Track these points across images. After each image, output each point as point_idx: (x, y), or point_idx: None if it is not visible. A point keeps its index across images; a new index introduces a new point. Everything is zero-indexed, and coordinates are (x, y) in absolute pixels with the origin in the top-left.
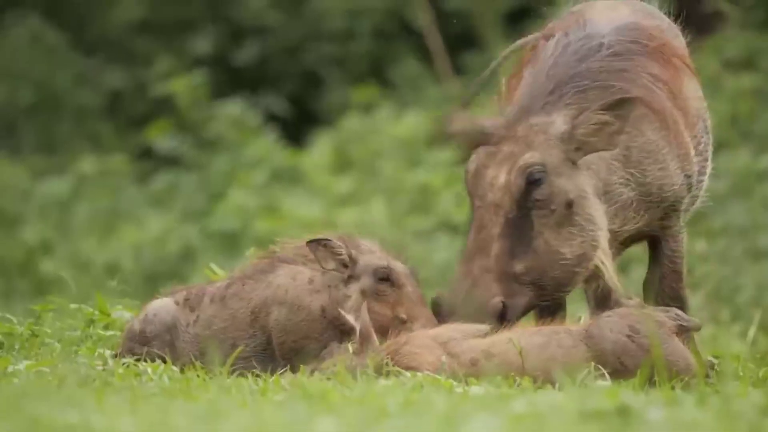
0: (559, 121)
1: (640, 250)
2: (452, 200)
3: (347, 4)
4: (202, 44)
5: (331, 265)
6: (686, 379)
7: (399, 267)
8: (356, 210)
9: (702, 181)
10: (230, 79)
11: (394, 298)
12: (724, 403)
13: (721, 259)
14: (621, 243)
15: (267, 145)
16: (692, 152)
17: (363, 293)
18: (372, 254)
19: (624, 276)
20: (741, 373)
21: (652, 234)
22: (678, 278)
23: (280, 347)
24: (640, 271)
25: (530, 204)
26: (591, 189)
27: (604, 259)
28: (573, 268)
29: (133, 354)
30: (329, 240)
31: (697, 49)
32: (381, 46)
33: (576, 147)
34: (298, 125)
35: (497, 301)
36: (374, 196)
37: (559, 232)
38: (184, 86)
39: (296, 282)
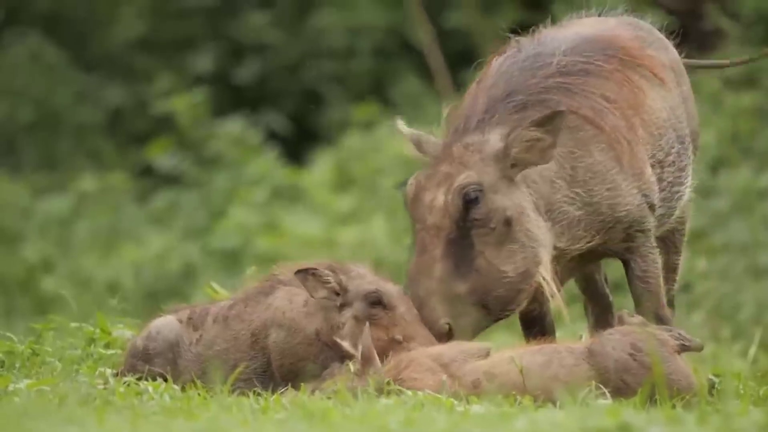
0: (494, 140)
1: None
2: None
3: (347, 22)
4: (203, 62)
5: (321, 293)
6: (687, 397)
7: (390, 289)
8: (357, 228)
9: (679, 192)
10: (231, 97)
11: (388, 321)
12: (725, 421)
13: (722, 276)
14: (575, 262)
15: (267, 163)
16: (648, 170)
17: (356, 319)
18: (362, 279)
19: (623, 295)
20: (742, 392)
21: (617, 254)
22: (654, 298)
23: (278, 369)
24: None
25: (469, 224)
26: (530, 205)
27: (545, 275)
28: (516, 286)
29: (136, 371)
30: (317, 269)
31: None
32: (381, 63)
33: (512, 164)
34: (298, 143)
35: (443, 322)
36: (375, 213)
37: (500, 250)
38: (184, 104)
39: (293, 304)
